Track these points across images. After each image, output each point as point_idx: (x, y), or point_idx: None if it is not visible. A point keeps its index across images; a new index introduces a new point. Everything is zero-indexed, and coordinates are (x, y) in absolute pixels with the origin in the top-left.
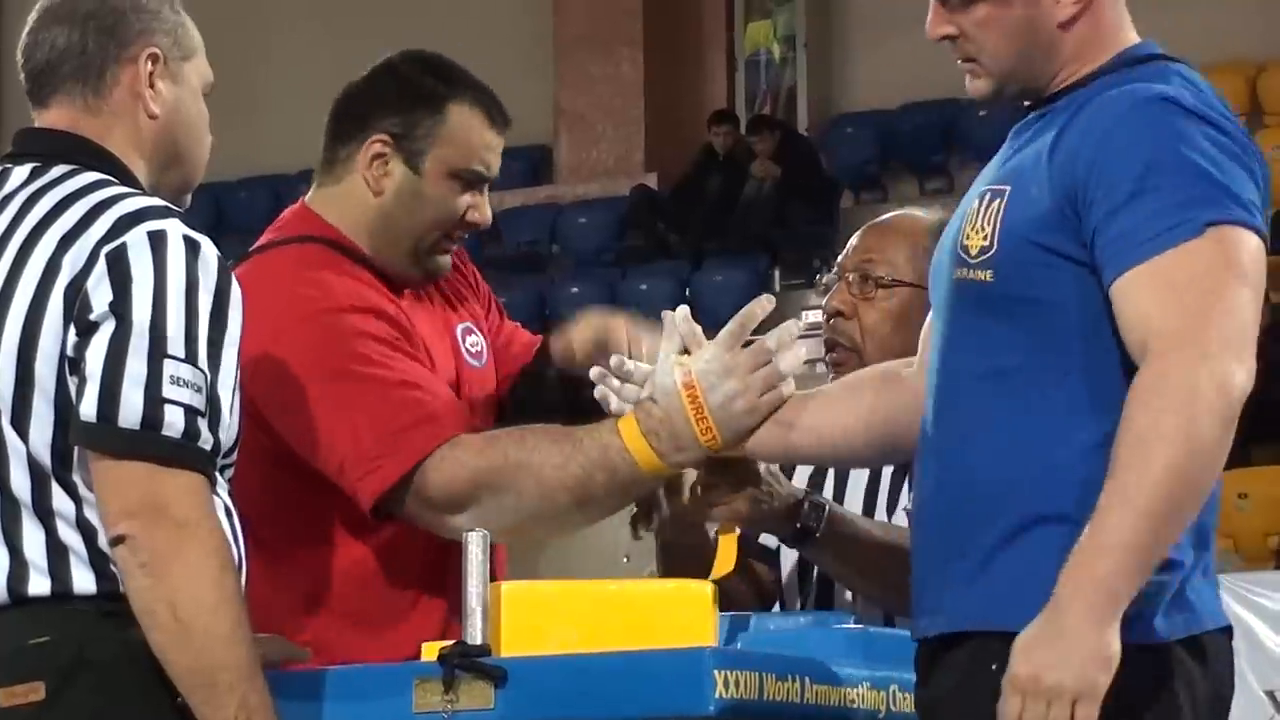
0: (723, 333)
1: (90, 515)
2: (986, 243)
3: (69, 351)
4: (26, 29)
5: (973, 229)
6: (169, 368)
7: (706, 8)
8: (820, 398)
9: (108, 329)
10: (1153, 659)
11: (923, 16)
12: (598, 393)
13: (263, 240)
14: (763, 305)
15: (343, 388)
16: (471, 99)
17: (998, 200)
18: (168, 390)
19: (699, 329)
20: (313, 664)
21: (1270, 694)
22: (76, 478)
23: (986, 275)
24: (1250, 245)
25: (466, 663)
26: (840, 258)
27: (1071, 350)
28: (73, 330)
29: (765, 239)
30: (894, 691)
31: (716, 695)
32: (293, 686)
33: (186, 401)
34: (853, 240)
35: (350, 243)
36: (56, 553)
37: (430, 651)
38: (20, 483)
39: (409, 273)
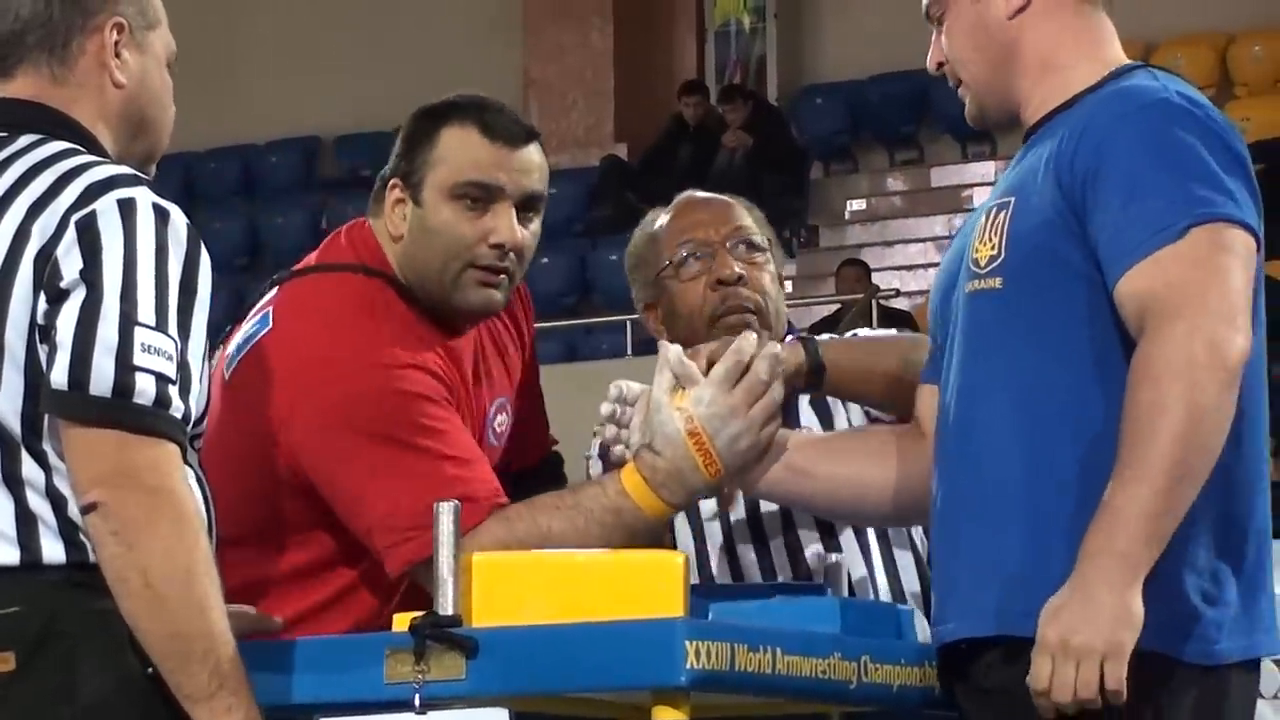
0: (718, 371)
1: (60, 484)
2: (995, 252)
3: (39, 319)
4: None
5: (981, 241)
6: (140, 335)
7: None
8: (840, 448)
9: (78, 297)
10: (1215, 681)
11: None
12: (608, 434)
13: (320, 257)
14: (750, 341)
15: (389, 453)
16: (464, 117)
17: (1003, 212)
18: (139, 358)
19: (695, 367)
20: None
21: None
22: (46, 446)
23: (996, 283)
24: (1240, 238)
25: (438, 633)
26: (690, 234)
27: (1083, 353)
28: (43, 298)
29: None
30: (864, 661)
31: (688, 666)
32: (264, 657)
33: (158, 369)
34: (699, 217)
35: (401, 280)
36: (25, 522)
37: (401, 622)
38: None
39: (453, 315)
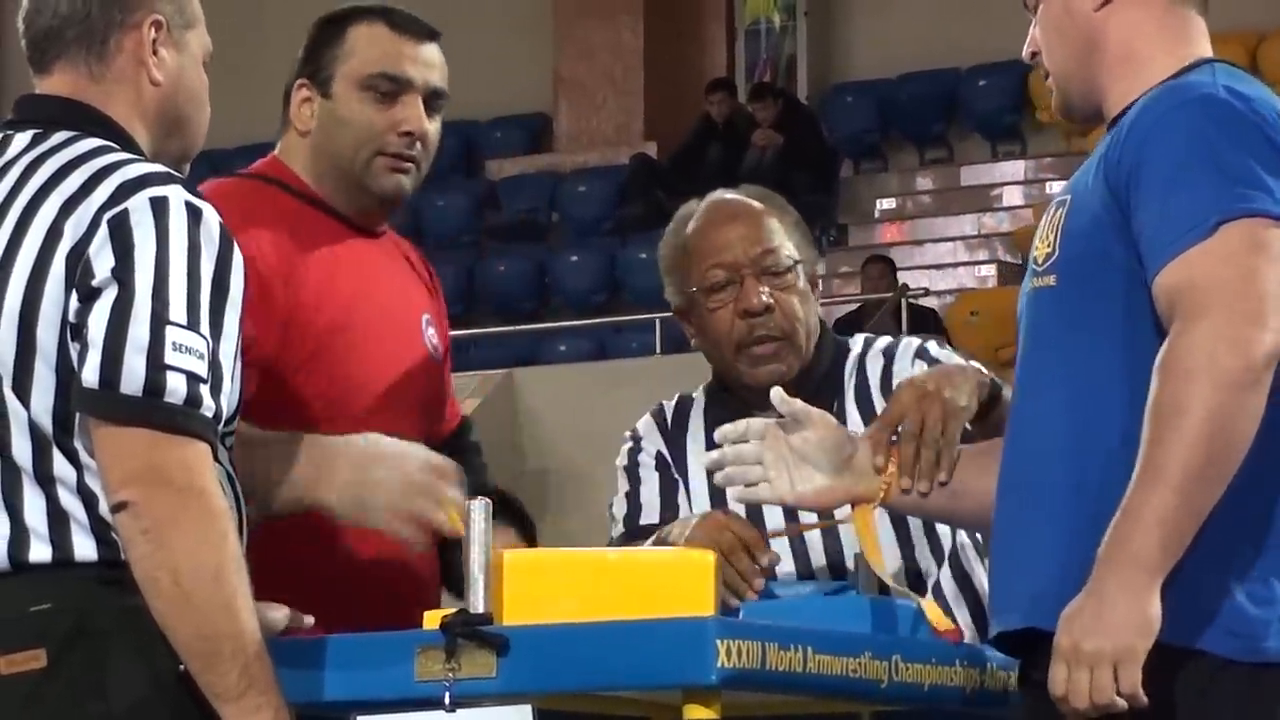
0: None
1: (91, 482)
2: (1050, 249)
3: (71, 318)
4: None
5: (1040, 239)
6: (171, 334)
7: None
8: (981, 460)
9: (110, 295)
10: (1264, 678)
11: None
12: (727, 475)
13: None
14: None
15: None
16: (371, 16)
17: (1061, 209)
18: (170, 357)
19: (798, 404)
20: (316, 631)
21: None
22: (78, 444)
23: (1051, 280)
24: (1275, 234)
25: (469, 631)
26: (718, 258)
27: (1130, 350)
28: (74, 296)
29: None
30: (896, 661)
31: (719, 664)
32: (294, 654)
33: (189, 368)
34: (728, 236)
35: (301, 184)
36: (57, 519)
37: (433, 620)
38: (21, 449)
39: (363, 205)
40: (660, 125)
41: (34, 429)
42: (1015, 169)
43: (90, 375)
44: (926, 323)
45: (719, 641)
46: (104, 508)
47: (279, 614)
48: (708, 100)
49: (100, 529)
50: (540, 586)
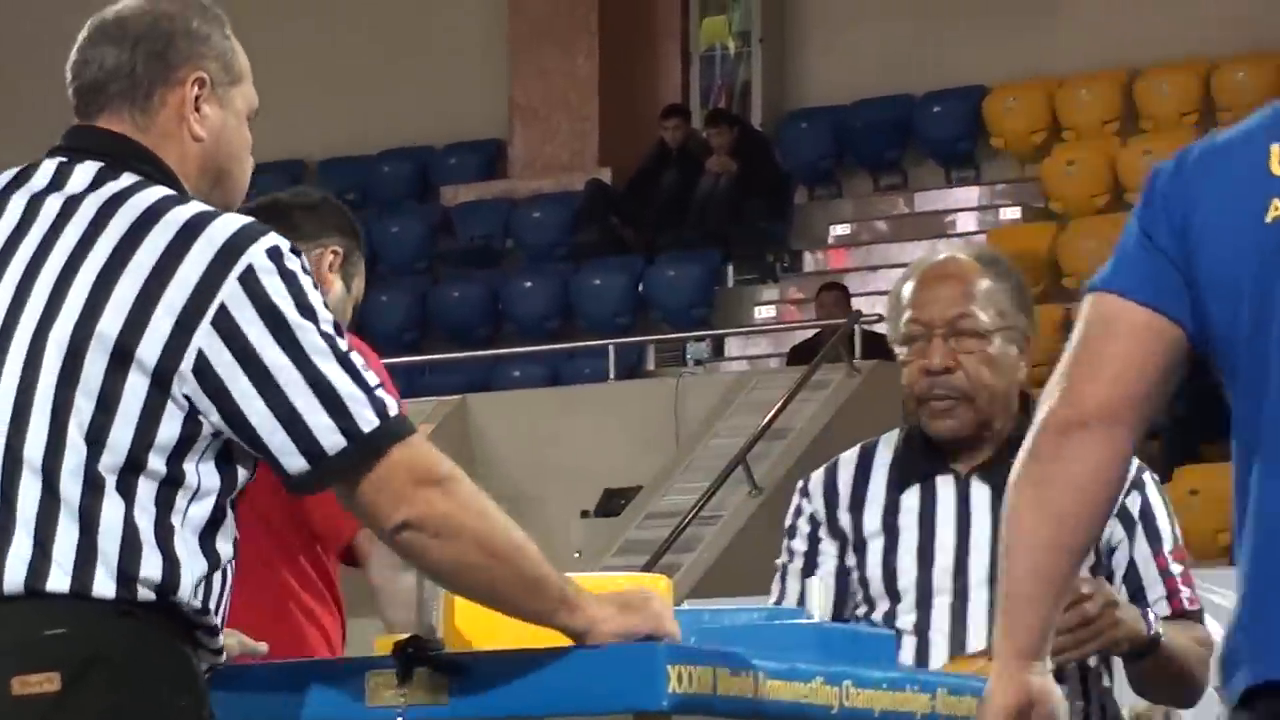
0: None
1: (139, 517)
2: None
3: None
4: (77, 45)
5: None
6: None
7: (661, 3)
8: None
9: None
10: None
11: (878, 12)
12: None
13: None
14: None
15: None
16: None
17: None
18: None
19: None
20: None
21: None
22: (137, 482)
23: None
24: (1101, 303)
25: (421, 657)
26: (917, 313)
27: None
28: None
29: (719, 234)
30: (847, 687)
31: (670, 690)
32: (248, 681)
33: (377, 382)
34: (929, 295)
35: None
36: (86, 557)
37: (385, 646)
38: (70, 486)
39: None
40: (615, 151)
41: (89, 467)
42: (969, 195)
43: (331, 438)
44: (880, 349)
45: (670, 666)
46: (145, 542)
47: (232, 640)
48: (662, 126)
49: (130, 568)
50: (493, 613)
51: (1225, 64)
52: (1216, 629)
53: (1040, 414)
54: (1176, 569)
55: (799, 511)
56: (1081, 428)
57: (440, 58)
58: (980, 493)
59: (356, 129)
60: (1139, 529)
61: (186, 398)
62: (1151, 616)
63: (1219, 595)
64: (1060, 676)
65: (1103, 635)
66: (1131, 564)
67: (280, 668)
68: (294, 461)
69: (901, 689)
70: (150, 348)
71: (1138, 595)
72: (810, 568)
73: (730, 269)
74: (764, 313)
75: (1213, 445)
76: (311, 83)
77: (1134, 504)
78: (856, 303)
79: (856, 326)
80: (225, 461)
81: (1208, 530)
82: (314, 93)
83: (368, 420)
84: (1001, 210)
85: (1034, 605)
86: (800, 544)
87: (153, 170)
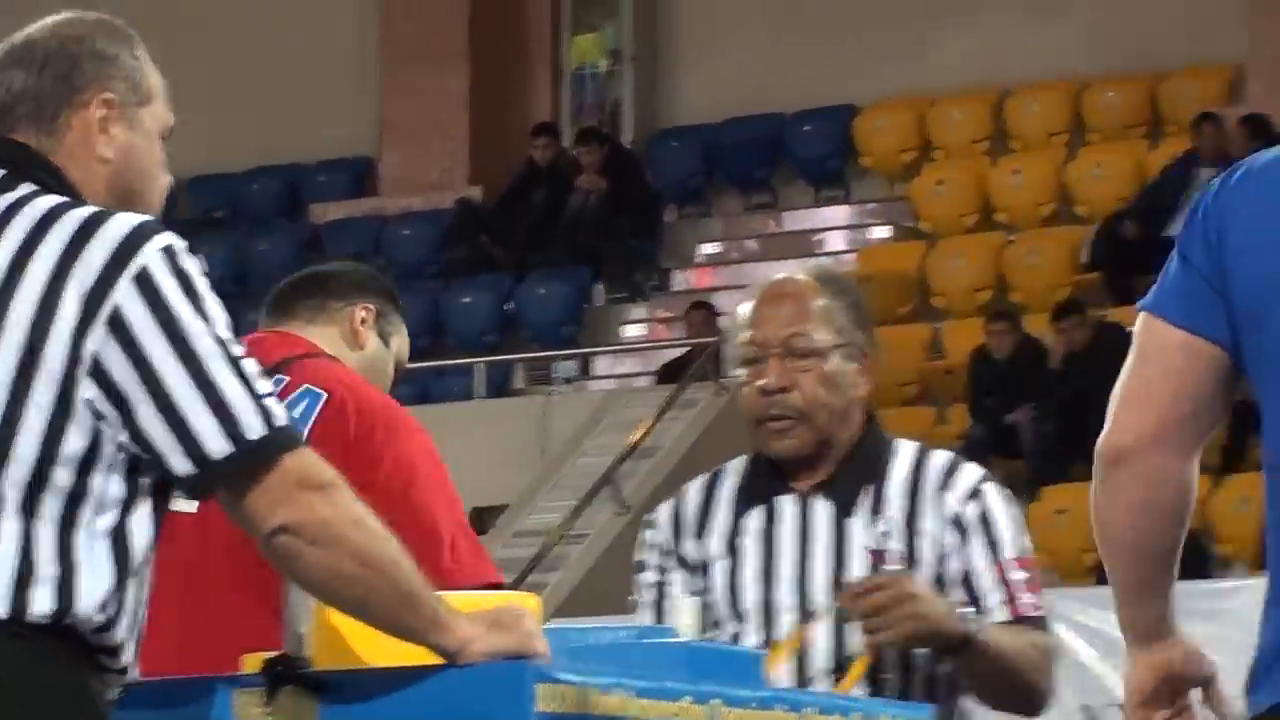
0: None
1: (40, 535)
2: None
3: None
4: None
5: None
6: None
7: (532, 21)
8: None
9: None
10: None
11: (749, 31)
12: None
13: None
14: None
15: None
16: None
17: None
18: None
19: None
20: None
21: (1085, 708)
22: (43, 497)
23: None
24: (1145, 326)
25: (289, 674)
26: (753, 334)
27: None
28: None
29: (589, 252)
30: (716, 706)
31: (537, 709)
32: (120, 700)
33: (268, 390)
34: (764, 314)
35: None
36: None
37: (253, 663)
38: None
39: None
40: (485, 169)
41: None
42: (838, 214)
43: (217, 445)
44: None
45: (537, 685)
46: (40, 566)
47: None
48: (532, 144)
49: (22, 588)
50: (362, 630)
51: (1095, 84)
52: (1083, 646)
53: (1101, 438)
54: (1017, 576)
55: (647, 545)
56: (1131, 454)
57: (311, 75)
58: (822, 510)
59: (226, 146)
60: (976, 536)
61: (89, 403)
62: (970, 616)
63: (1084, 615)
64: (884, 666)
65: (899, 626)
66: (968, 570)
67: (147, 685)
68: (181, 464)
69: (770, 708)
70: (53, 355)
71: (975, 601)
72: (662, 599)
73: (600, 287)
74: (633, 331)
75: (1081, 465)
76: (180, 99)
77: (972, 512)
78: (725, 322)
79: (724, 345)
80: (134, 471)
81: (1073, 549)
82: (182, 109)
83: (254, 428)
84: (871, 229)
85: (1133, 604)
86: (651, 576)
87: (51, 179)
